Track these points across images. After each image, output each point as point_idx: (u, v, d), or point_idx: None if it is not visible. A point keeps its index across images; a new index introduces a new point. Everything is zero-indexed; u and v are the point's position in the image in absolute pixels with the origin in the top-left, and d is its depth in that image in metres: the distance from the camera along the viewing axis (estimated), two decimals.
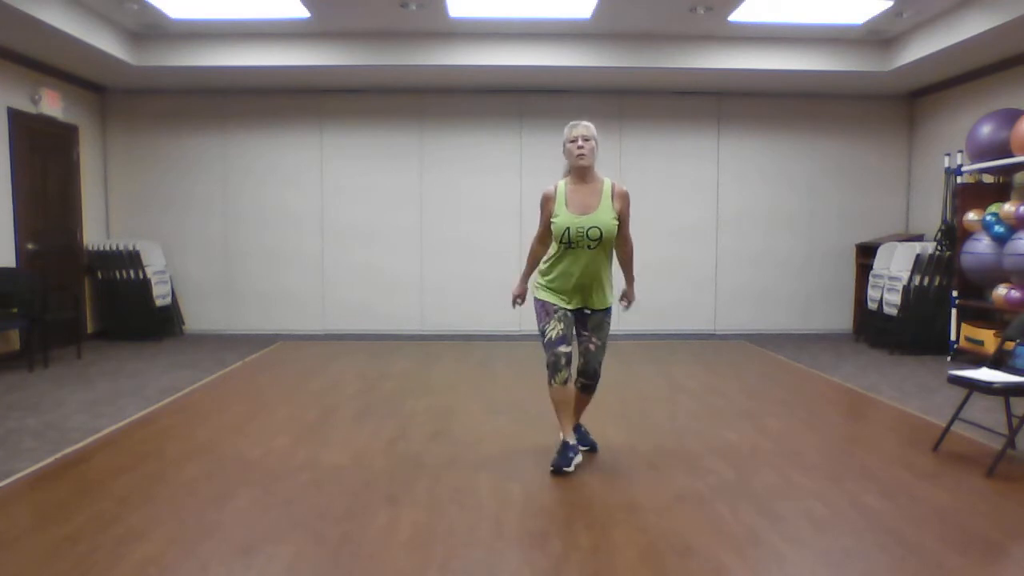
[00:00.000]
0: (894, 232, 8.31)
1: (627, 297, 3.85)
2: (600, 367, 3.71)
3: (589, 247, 3.53)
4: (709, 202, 8.42)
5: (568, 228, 3.52)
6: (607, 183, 3.60)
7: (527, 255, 3.83)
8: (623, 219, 3.61)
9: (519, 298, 3.88)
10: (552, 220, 3.58)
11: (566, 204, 3.56)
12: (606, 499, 3.28)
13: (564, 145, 3.60)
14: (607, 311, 3.70)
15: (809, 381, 5.94)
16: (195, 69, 7.18)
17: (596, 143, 3.58)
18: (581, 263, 3.55)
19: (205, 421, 4.65)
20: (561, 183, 3.63)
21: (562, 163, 3.71)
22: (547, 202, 3.63)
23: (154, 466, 3.71)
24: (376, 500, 3.24)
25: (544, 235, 3.72)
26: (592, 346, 3.67)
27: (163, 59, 7.03)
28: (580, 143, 3.52)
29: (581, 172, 3.58)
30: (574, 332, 3.65)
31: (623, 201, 3.60)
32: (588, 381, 3.73)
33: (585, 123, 3.59)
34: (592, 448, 3.94)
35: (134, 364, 6.51)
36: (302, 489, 3.39)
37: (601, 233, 3.52)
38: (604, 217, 3.53)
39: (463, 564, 2.64)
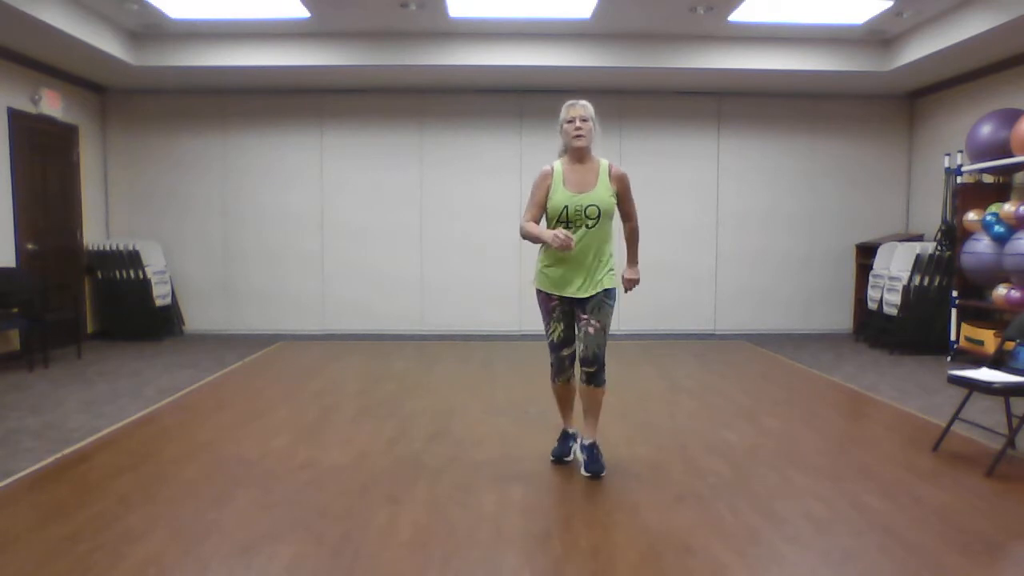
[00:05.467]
0: (894, 232, 8.31)
1: (627, 279, 3.68)
2: (602, 352, 3.47)
3: (588, 226, 3.45)
4: (709, 202, 8.42)
5: (566, 206, 3.45)
6: (604, 163, 3.55)
7: (526, 229, 3.48)
8: (623, 200, 3.56)
9: (566, 238, 3.30)
10: (548, 199, 3.50)
11: (563, 183, 3.50)
12: (606, 499, 3.28)
13: (561, 125, 3.52)
14: (608, 292, 3.52)
15: (809, 381, 5.94)
16: (195, 69, 7.18)
17: (595, 124, 3.50)
18: (580, 244, 3.44)
19: (205, 421, 4.65)
20: (557, 163, 3.57)
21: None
22: (544, 179, 3.52)
23: (154, 466, 3.71)
24: (376, 500, 3.24)
25: (535, 216, 3.53)
26: (591, 328, 3.46)
27: (163, 59, 7.03)
28: (578, 124, 3.45)
29: (578, 153, 3.51)
30: (575, 329, 3.57)
31: (620, 183, 3.53)
32: (590, 368, 3.48)
33: (583, 103, 3.51)
34: (595, 475, 3.52)
35: (134, 364, 6.51)
36: (302, 489, 3.39)
37: (599, 211, 3.45)
38: (602, 195, 3.47)
39: (463, 564, 2.64)
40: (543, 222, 3.57)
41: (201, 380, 5.83)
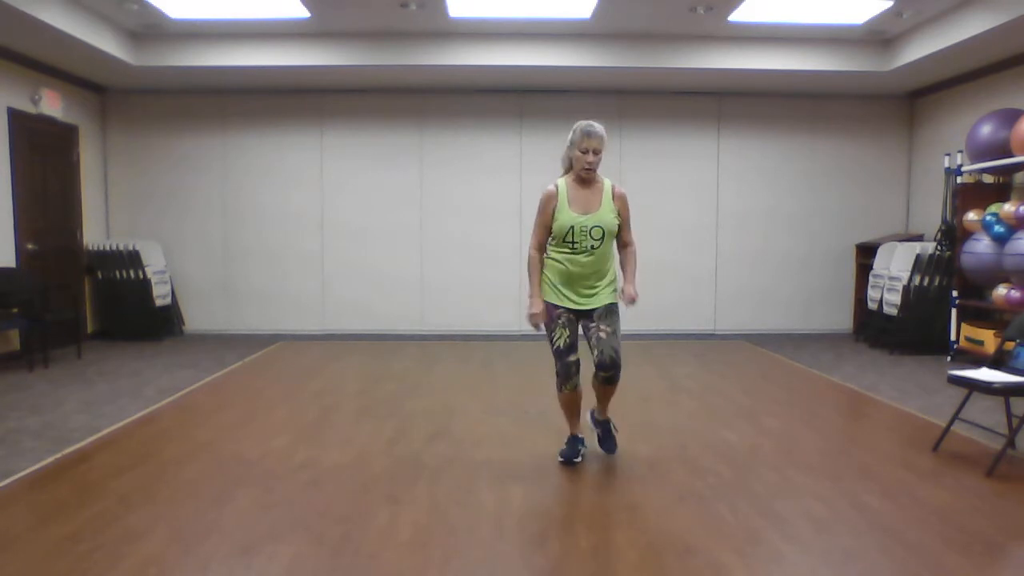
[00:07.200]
0: (894, 232, 8.31)
1: (626, 294, 3.62)
2: (618, 355, 3.49)
3: (592, 247, 3.51)
4: (709, 202, 8.42)
5: (572, 227, 3.49)
6: (607, 184, 3.60)
7: (529, 268, 3.63)
8: (624, 220, 3.62)
9: (537, 317, 3.58)
10: (554, 219, 3.53)
11: (568, 203, 3.53)
12: (606, 499, 3.29)
13: (573, 146, 3.50)
14: (611, 305, 3.59)
15: (809, 381, 5.94)
16: (195, 69, 7.18)
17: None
18: (583, 263, 3.52)
19: (205, 421, 4.66)
20: (561, 182, 3.59)
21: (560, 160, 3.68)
22: (549, 200, 3.54)
23: (154, 466, 3.71)
24: (376, 500, 3.24)
25: (543, 240, 3.59)
26: (603, 333, 3.50)
27: (163, 59, 7.03)
28: (591, 157, 3.46)
29: (584, 179, 3.56)
30: (579, 335, 3.60)
31: (622, 203, 3.60)
32: (607, 373, 3.52)
33: (599, 130, 3.47)
34: (610, 450, 3.80)
35: (134, 364, 6.51)
36: (302, 489, 3.39)
37: (604, 232, 3.51)
38: (606, 216, 3.53)
39: (463, 564, 2.64)
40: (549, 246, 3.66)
41: (201, 380, 5.83)
